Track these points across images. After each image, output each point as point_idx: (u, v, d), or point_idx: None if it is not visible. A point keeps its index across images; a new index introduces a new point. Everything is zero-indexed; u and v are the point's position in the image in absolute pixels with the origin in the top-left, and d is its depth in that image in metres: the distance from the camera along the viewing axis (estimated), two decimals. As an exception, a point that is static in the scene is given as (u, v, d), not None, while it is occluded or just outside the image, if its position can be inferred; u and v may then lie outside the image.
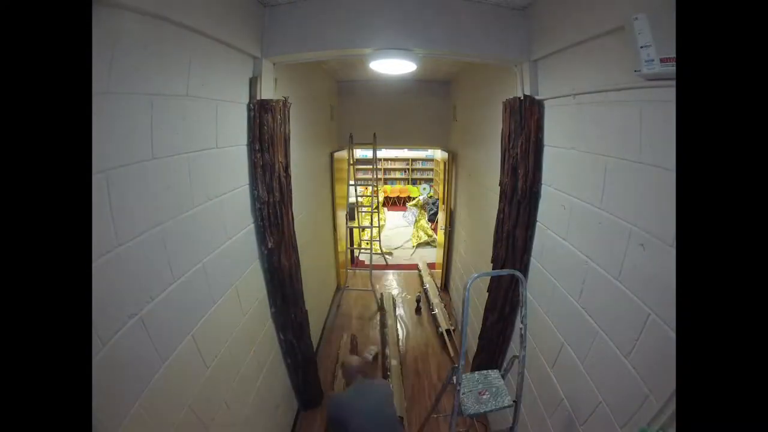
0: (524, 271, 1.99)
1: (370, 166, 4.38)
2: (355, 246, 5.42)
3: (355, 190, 4.57)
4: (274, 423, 2.29)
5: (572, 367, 1.47)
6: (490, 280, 2.25)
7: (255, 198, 1.93)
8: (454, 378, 1.48)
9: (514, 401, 1.52)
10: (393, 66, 2.08)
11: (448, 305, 4.25)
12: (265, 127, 1.85)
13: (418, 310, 4.24)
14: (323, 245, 3.92)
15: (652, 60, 0.97)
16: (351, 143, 4.17)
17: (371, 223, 5.11)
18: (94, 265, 0.89)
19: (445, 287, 4.75)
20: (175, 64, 1.26)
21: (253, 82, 1.86)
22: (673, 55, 0.91)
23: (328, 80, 3.99)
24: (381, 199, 8.34)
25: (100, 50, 0.91)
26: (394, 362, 3.23)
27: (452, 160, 4.27)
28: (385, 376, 3.04)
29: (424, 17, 1.85)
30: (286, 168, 2.07)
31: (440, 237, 4.92)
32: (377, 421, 1.80)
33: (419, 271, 5.21)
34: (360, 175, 9.44)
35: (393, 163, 10.35)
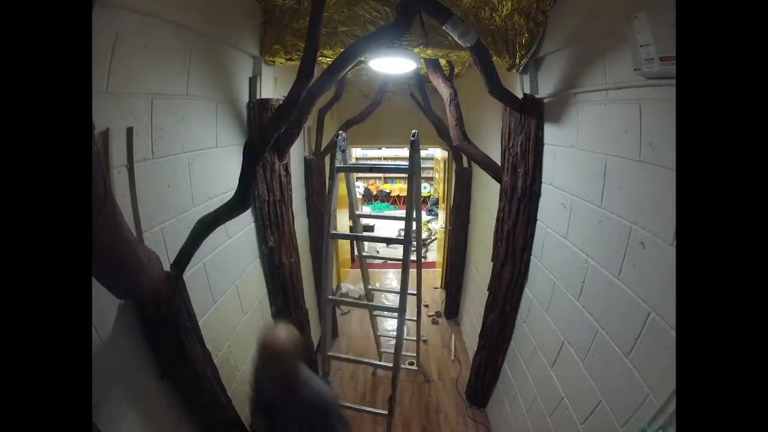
0: (525, 269, 1.99)
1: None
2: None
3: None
4: (275, 422, 2.30)
5: (572, 366, 1.47)
6: (491, 279, 2.25)
7: (255, 197, 1.93)
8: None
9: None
10: (393, 65, 2.08)
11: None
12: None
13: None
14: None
15: (652, 59, 0.97)
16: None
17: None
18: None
19: (444, 286, 4.75)
20: (175, 64, 1.26)
21: (253, 82, 1.86)
22: (673, 53, 0.91)
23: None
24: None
25: (100, 50, 0.91)
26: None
27: (452, 158, 4.26)
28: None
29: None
30: (286, 167, 2.07)
31: (440, 236, 4.92)
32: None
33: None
34: (359, 174, 9.50)
35: (393, 161, 10.34)
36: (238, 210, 1.23)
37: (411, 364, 3.17)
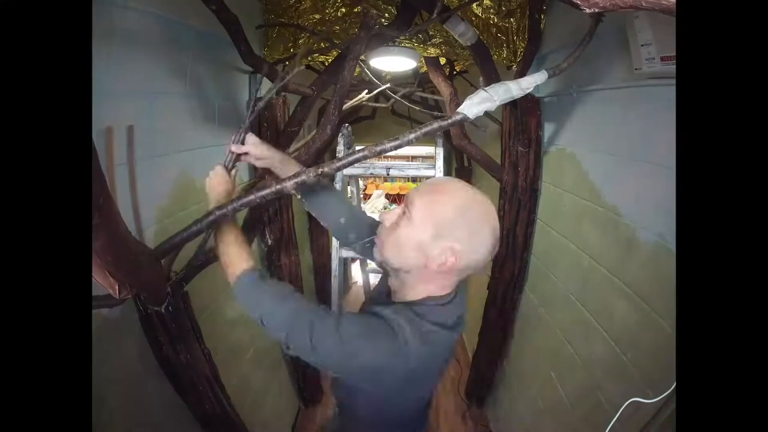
0: (524, 269, 2.00)
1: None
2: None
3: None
4: (275, 421, 2.30)
5: (572, 366, 1.47)
6: (491, 277, 2.25)
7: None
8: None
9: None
10: (394, 63, 2.07)
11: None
12: (265, 125, 1.85)
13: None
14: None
15: (653, 58, 0.97)
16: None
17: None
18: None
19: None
20: (175, 63, 1.26)
21: (253, 80, 1.86)
22: (674, 53, 0.91)
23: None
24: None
25: (99, 48, 0.91)
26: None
27: (452, 157, 4.27)
28: None
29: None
30: (286, 166, 2.07)
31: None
32: None
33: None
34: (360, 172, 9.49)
35: (393, 160, 10.35)
36: None
37: None
